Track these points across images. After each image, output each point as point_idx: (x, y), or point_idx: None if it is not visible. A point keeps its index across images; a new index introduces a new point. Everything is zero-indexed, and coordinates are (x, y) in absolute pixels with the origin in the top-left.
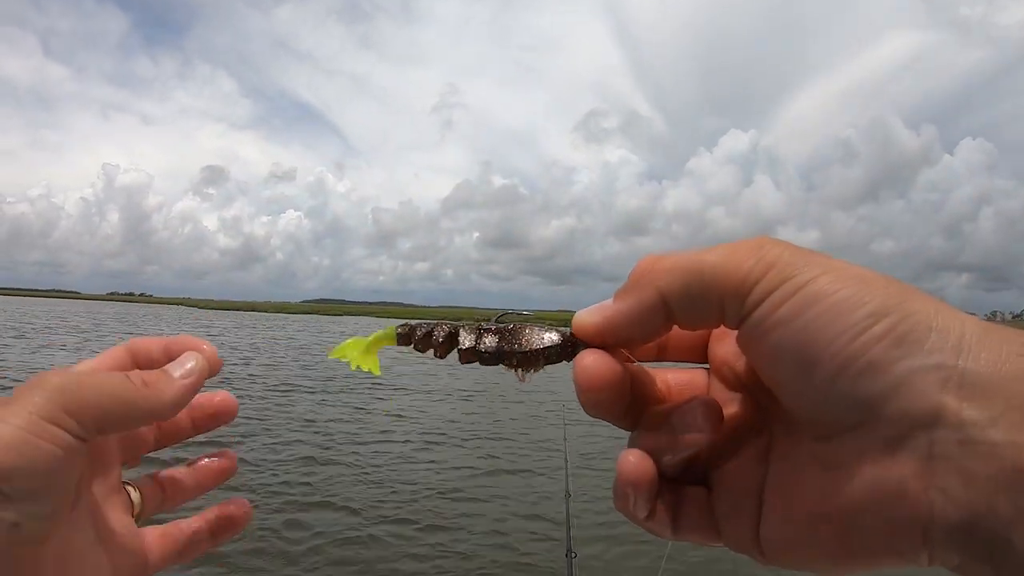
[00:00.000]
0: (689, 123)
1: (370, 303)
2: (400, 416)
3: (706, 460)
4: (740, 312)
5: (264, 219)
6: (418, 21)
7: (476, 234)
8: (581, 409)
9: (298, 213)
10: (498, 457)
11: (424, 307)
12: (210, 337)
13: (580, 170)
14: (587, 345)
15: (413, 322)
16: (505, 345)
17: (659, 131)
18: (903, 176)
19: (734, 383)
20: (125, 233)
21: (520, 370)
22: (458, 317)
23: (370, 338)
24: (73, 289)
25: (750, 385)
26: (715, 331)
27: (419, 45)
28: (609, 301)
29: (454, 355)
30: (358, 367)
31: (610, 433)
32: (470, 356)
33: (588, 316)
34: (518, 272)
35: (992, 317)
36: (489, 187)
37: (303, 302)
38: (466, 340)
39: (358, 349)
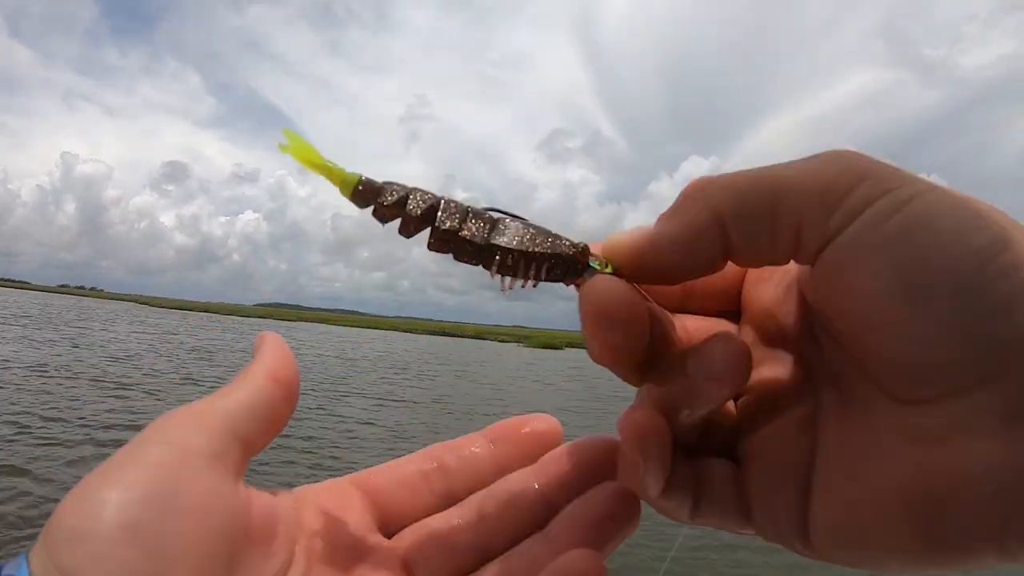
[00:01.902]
0: (651, 147)
1: (325, 310)
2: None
3: (734, 425)
4: (825, 232)
5: (222, 219)
6: (391, 30)
7: None
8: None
9: (257, 215)
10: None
11: (379, 316)
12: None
13: (542, 188)
14: (598, 270)
15: (380, 181)
16: (496, 238)
17: (622, 153)
18: None
19: (775, 335)
20: (81, 225)
21: (506, 277)
22: (410, 329)
23: (323, 162)
24: (23, 279)
25: (796, 337)
26: (751, 272)
27: (390, 55)
28: (653, 223)
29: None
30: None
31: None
32: (445, 242)
33: (625, 237)
34: (474, 286)
35: None
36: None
37: (257, 305)
38: (447, 221)
39: (310, 156)
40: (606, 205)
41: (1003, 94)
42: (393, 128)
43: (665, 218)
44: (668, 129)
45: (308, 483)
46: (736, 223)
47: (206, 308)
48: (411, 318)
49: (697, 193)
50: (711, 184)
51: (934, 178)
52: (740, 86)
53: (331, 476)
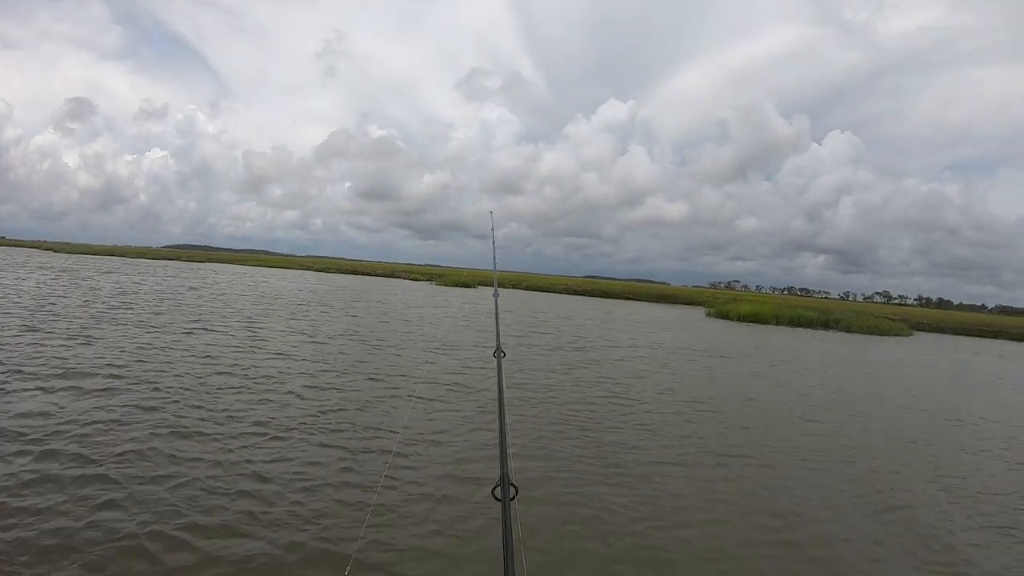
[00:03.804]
0: (571, 89)
1: (236, 250)
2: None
3: None
4: None
5: (128, 158)
6: None
7: (348, 184)
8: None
9: (165, 152)
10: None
11: (291, 255)
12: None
13: (458, 127)
14: None
15: None
16: None
17: (540, 94)
18: (772, 160)
19: None
20: None
21: None
22: (326, 267)
23: None
24: None
25: None
26: None
27: None
28: None
29: None
30: None
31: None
32: None
33: None
34: (388, 224)
35: (846, 297)
36: (366, 137)
37: (166, 247)
38: None
39: None
40: (523, 145)
41: (919, 63)
42: (307, 63)
43: None
44: (588, 71)
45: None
46: None
47: (112, 252)
48: (324, 256)
49: None
50: None
51: (847, 136)
52: (663, 31)
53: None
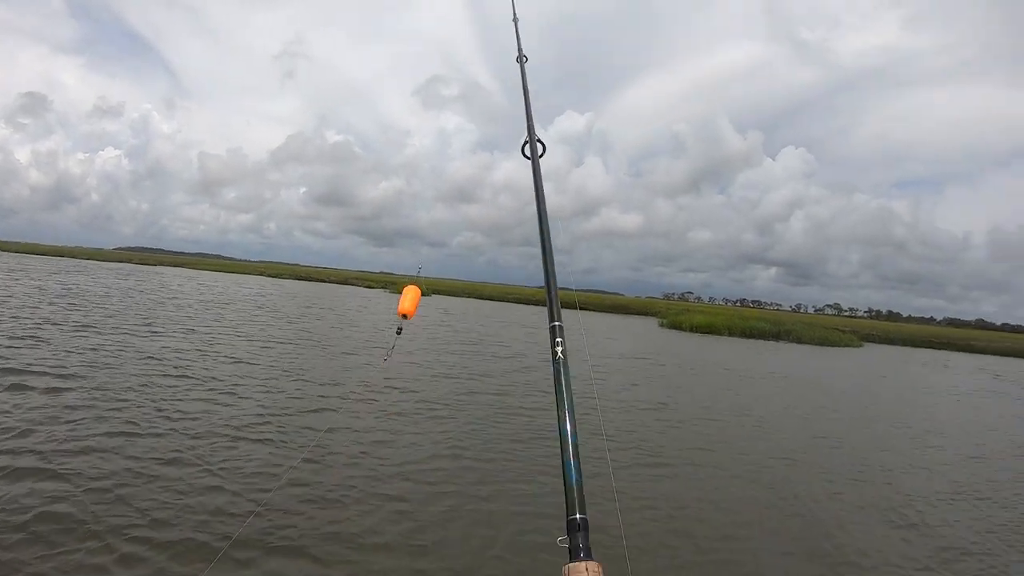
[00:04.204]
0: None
1: (188, 253)
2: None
3: None
4: None
5: (81, 156)
6: None
7: (303, 189)
8: None
9: (118, 152)
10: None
11: (244, 260)
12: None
13: (415, 134)
14: None
15: None
16: None
17: (498, 103)
18: (725, 173)
19: None
20: None
21: None
22: (279, 273)
23: None
24: None
25: None
26: None
27: None
28: None
29: None
30: None
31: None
32: None
33: None
34: (343, 231)
35: (797, 309)
36: (323, 142)
37: (117, 249)
38: None
39: None
40: (479, 153)
41: (872, 82)
42: (266, 65)
43: None
44: (547, 82)
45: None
46: None
47: (61, 252)
48: (277, 262)
49: None
50: None
51: (801, 152)
52: (621, 45)
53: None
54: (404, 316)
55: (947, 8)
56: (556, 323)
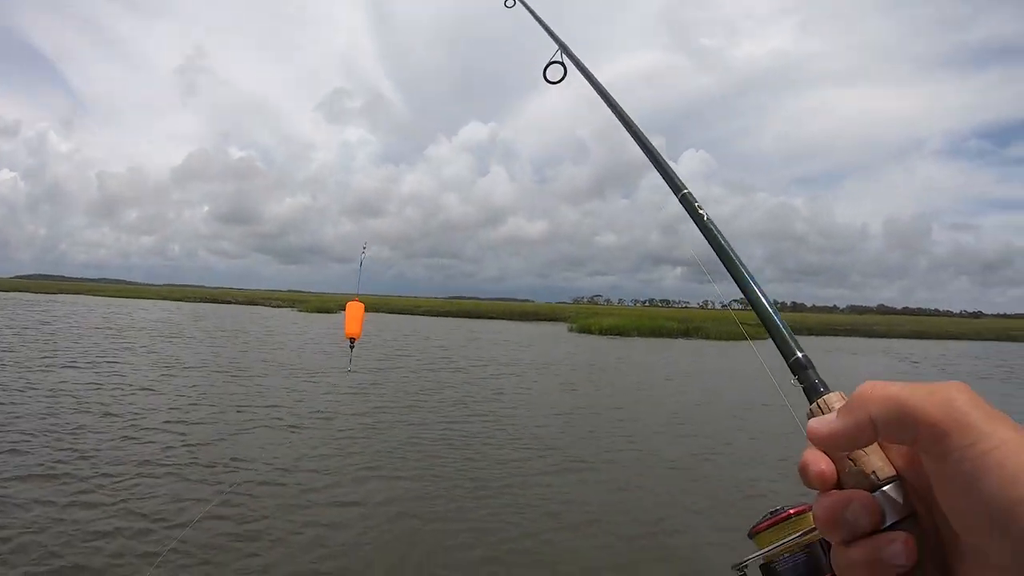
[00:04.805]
0: (432, 110)
1: (90, 279)
2: None
3: None
4: (929, 451)
5: None
6: None
7: (207, 207)
8: None
9: (14, 174)
10: None
11: (148, 284)
12: None
13: (319, 148)
14: None
15: None
16: None
17: (401, 115)
18: (629, 178)
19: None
20: None
21: None
22: (183, 296)
23: None
24: None
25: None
26: None
27: None
28: (834, 415)
29: None
30: None
31: None
32: None
33: (819, 427)
34: (249, 249)
35: (705, 306)
36: (225, 158)
37: (14, 277)
38: None
39: None
40: (383, 166)
41: (768, 85)
42: (166, 79)
43: (842, 414)
44: (450, 93)
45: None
46: (882, 425)
47: None
48: (182, 285)
49: (863, 401)
50: (871, 397)
51: (701, 154)
52: (522, 53)
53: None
54: (352, 340)
55: (839, 13)
56: None
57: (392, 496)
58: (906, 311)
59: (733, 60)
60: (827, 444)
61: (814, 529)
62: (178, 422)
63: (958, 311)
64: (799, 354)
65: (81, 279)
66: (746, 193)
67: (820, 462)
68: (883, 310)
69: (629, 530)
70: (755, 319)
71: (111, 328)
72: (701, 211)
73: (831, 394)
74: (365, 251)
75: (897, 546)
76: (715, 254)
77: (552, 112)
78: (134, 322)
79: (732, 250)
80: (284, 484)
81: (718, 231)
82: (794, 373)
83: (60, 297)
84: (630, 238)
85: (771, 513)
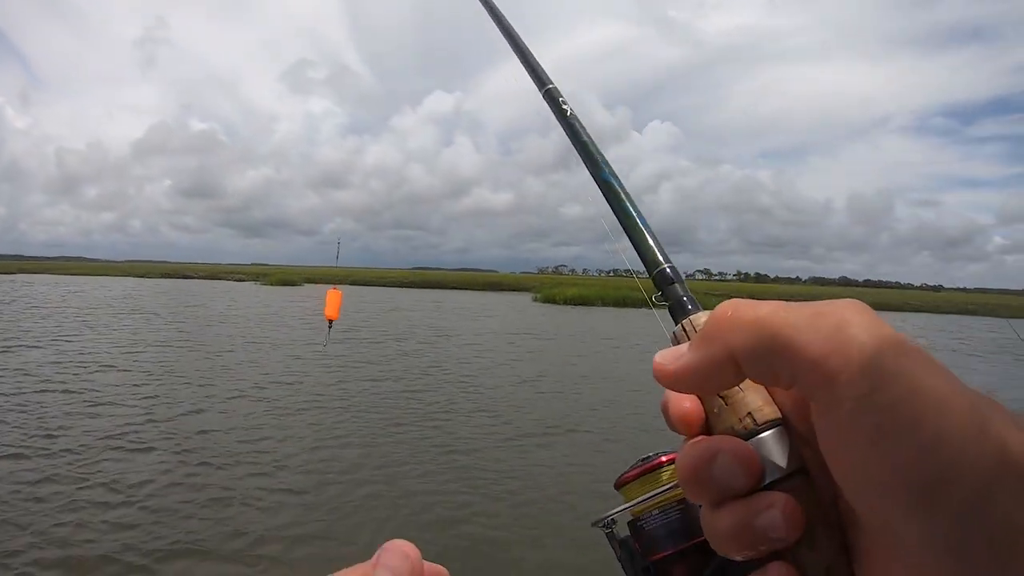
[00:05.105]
0: (397, 80)
1: (50, 258)
2: None
3: None
4: (814, 396)
5: None
6: None
7: (168, 182)
8: None
9: None
10: None
11: (109, 261)
12: None
13: (282, 119)
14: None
15: None
16: None
17: (366, 86)
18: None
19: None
20: None
21: None
22: (145, 273)
23: None
24: None
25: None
26: None
27: None
28: (686, 347)
29: None
30: None
31: None
32: None
33: (665, 362)
34: (212, 224)
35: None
36: (186, 131)
37: None
38: None
39: None
40: (348, 138)
41: (736, 59)
42: (125, 51)
43: (694, 346)
44: (414, 64)
45: None
46: (745, 361)
47: None
48: (145, 261)
49: (719, 329)
50: (730, 323)
51: (667, 126)
52: (487, 23)
53: None
54: (330, 321)
55: None
56: None
57: (358, 463)
58: (868, 283)
59: (700, 33)
60: (675, 385)
61: None
62: (144, 397)
63: (919, 284)
64: (665, 265)
65: (41, 257)
66: (712, 166)
67: (683, 399)
68: (845, 282)
69: (533, 495)
70: (720, 290)
71: (71, 307)
72: (565, 106)
73: (699, 314)
74: (340, 244)
75: (774, 513)
76: (577, 152)
77: (515, 85)
78: (95, 300)
79: (594, 145)
80: (250, 453)
81: (581, 126)
82: (658, 288)
83: (20, 276)
84: (595, 209)
85: (641, 460)
